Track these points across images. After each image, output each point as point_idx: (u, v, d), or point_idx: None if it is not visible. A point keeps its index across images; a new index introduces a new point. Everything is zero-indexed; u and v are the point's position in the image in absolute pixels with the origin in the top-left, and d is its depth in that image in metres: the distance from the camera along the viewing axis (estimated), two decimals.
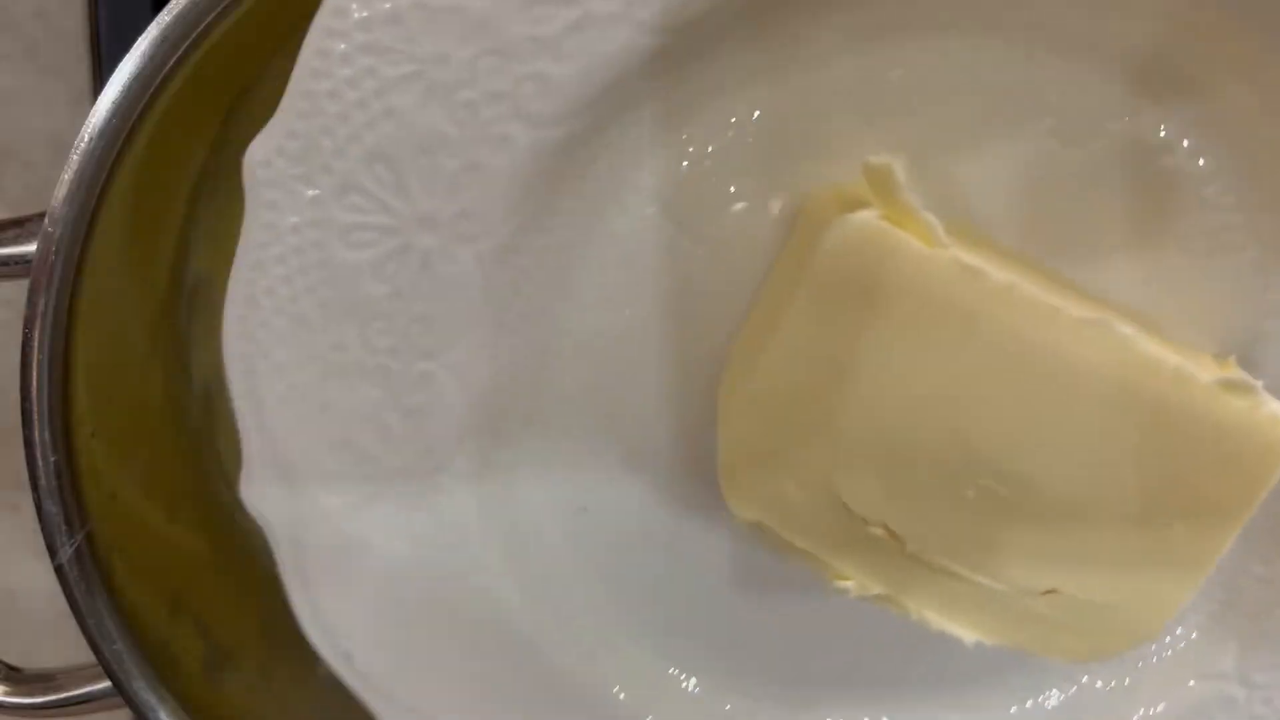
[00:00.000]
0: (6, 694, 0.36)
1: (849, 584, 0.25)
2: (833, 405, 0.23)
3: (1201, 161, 0.25)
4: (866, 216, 0.22)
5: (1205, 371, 0.23)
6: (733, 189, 0.26)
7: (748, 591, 0.29)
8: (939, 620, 0.25)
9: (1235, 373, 0.23)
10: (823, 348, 0.23)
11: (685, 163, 0.26)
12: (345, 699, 0.41)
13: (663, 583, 0.30)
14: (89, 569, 0.34)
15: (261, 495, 0.27)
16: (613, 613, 0.30)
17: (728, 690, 0.30)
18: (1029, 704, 0.30)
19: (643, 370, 0.28)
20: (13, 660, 0.36)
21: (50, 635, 0.50)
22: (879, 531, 0.24)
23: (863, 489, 0.24)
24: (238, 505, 0.34)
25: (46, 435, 0.33)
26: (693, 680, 0.30)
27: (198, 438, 0.31)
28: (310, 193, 0.24)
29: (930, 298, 0.22)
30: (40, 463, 0.33)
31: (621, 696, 0.30)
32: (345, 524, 0.27)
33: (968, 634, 0.25)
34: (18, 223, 0.32)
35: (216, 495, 0.38)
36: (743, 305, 0.27)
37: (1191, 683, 0.29)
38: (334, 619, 0.28)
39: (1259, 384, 0.23)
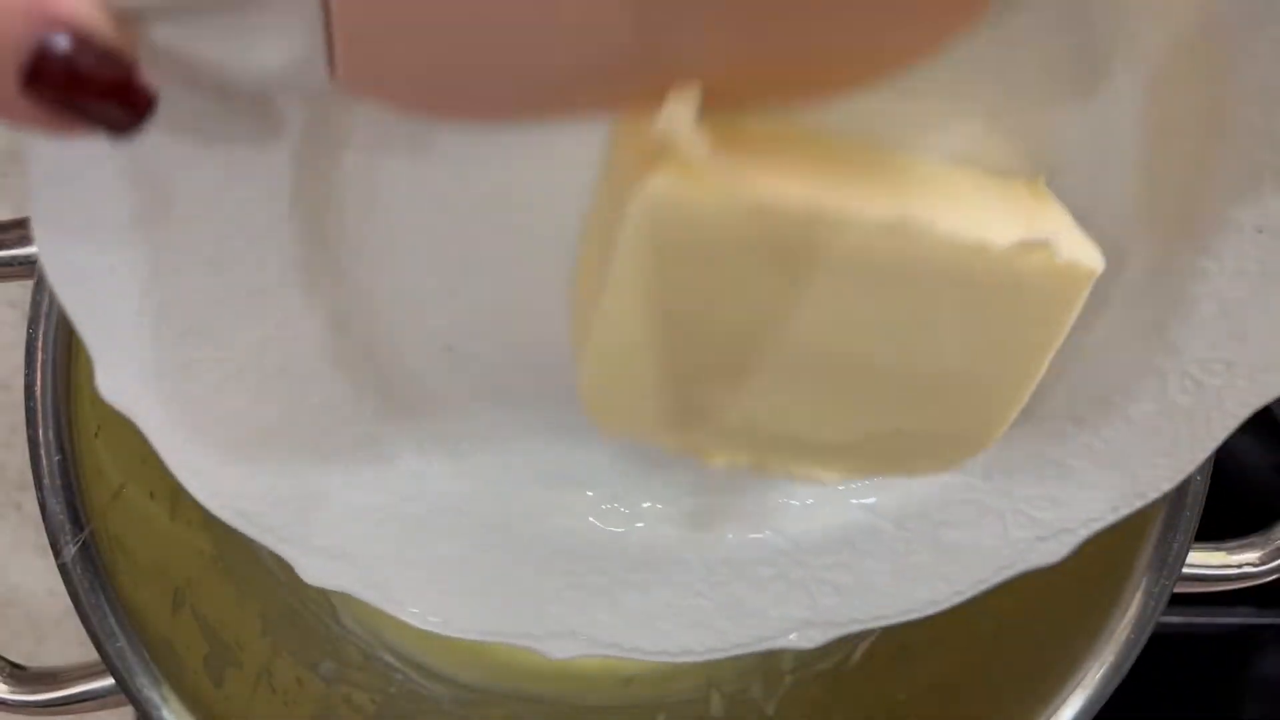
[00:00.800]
0: (10, 691, 0.36)
1: (719, 460, 0.28)
2: (672, 340, 0.26)
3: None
4: (661, 186, 0.24)
5: (1013, 206, 0.26)
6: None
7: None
8: (803, 472, 0.29)
9: (1035, 222, 0.26)
10: (650, 300, 0.25)
11: None
12: (346, 696, 0.41)
13: (535, 417, 0.31)
14: (92, 567, 0.34)
15: (119, 390, 0.27)
16: (489, 439, 0.32)
17: (635, 499, 0.33)
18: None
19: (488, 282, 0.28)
20: (16, 658, 0.36)
21: (54, 633, 0.51)
22: (737, 423, 0.27)
23: (714, 399, 0.27)
24: None
25: (50, 434, 0.33)
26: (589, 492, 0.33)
27: None
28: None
29: (739, 246, 0.24)
30: (44, 461, 0.33)
31: (530, 511, 0.32)
32: (211, 399, 0.28)
33: (829, 477, 0.29)
34: (21, 223, 0.33)
35: None
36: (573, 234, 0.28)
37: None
38: (222, 483, 0.29)
39: (1054, 230, 0.25)
